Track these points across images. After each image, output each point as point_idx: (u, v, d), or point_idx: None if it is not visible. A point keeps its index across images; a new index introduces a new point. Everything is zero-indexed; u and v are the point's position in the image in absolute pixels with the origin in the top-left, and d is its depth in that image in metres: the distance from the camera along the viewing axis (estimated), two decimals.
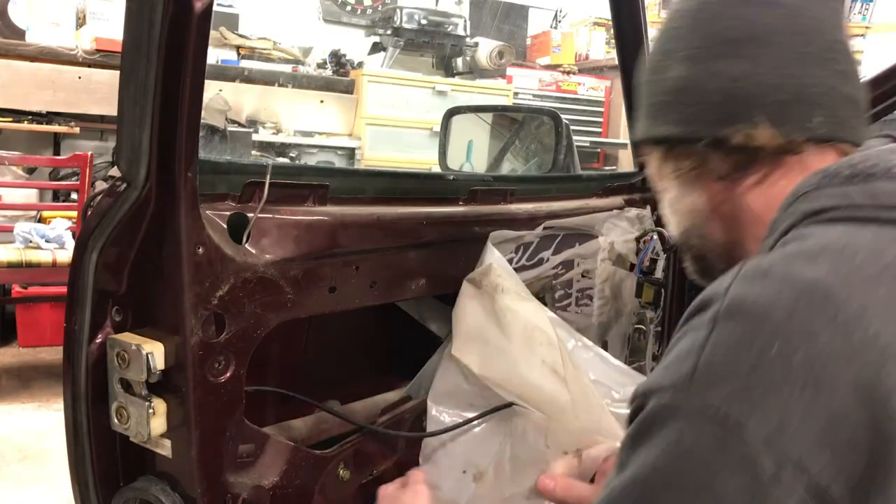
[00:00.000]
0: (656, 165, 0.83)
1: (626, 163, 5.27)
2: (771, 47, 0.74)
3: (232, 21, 4.45)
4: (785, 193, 0.70)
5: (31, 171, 3.72)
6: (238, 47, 4.31)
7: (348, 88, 4.46)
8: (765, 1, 0.76)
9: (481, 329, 1.15)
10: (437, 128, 2.80)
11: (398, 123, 4.49)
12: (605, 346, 1.50)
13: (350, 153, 4.45)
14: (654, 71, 0.81)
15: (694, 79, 0.76)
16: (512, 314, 1.14)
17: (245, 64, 4.27)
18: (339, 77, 4.54)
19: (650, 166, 0.85)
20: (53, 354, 3.46)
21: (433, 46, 4.74)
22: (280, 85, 4.26)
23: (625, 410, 0.64)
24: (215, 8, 0.91)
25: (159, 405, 0.86)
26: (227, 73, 4.11)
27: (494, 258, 1.21)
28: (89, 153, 3.08)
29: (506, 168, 2.16)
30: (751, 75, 0.74)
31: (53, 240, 3.02)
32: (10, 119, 3.58)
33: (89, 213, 0.84)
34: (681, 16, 0.79)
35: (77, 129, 3.73)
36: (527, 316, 1.14)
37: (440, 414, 1.20)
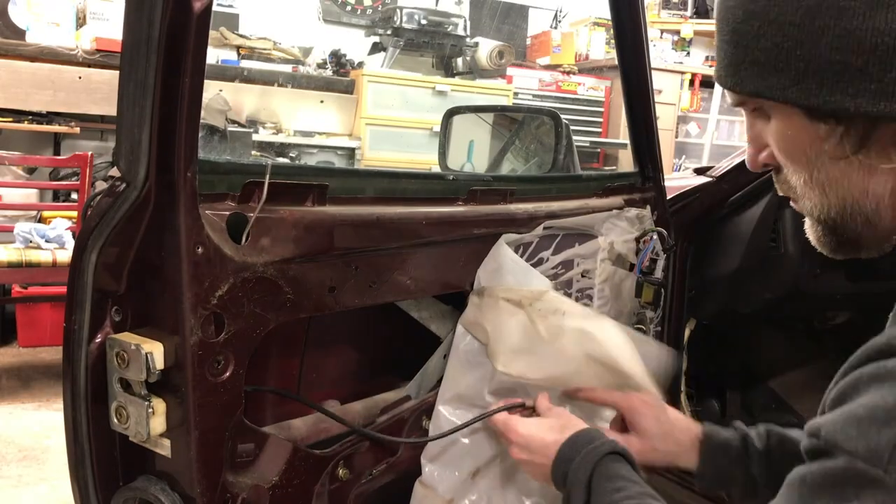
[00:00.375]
0: (816, 149, 0.68)
1: (626, 163, 5.27)
2: None
3: (232, 21, 4.45)
4: None
5: (31, 171, 3.72)
6: (238, 47, 4.31)
7: (348, 88, 4.46)
8: None
9: (532, 344, 1.18)
10: (437, 128, 2.80)
11: (398, 123, 4.49)
12: None
13: (350, 153, 4.45)
14: (830, 11, 0.61)
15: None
16: (580, 333, 1.18)
17: (245, 64, 4.27)
18: (339, 77, 4.54)
19: (781, 127, 0.71)
20: (53, 354, 3.46)
21: (433, 46, 4.74)
22: (280, 85, 4.26)
23: None
24: (215, 8, 0.91)
25: (159, 405, 0.86)
26: (227, 73, 4.11)
27: (508, 262, 1.23)
28: (89, 153, 3.08)
29: (506, 168, 2.16)
30: None
31: (53, 240, 3.02)
32: (11, 119, 3.58)
33: (89, 212, 0.85)
34: None
35: (77, 129, 3.73)
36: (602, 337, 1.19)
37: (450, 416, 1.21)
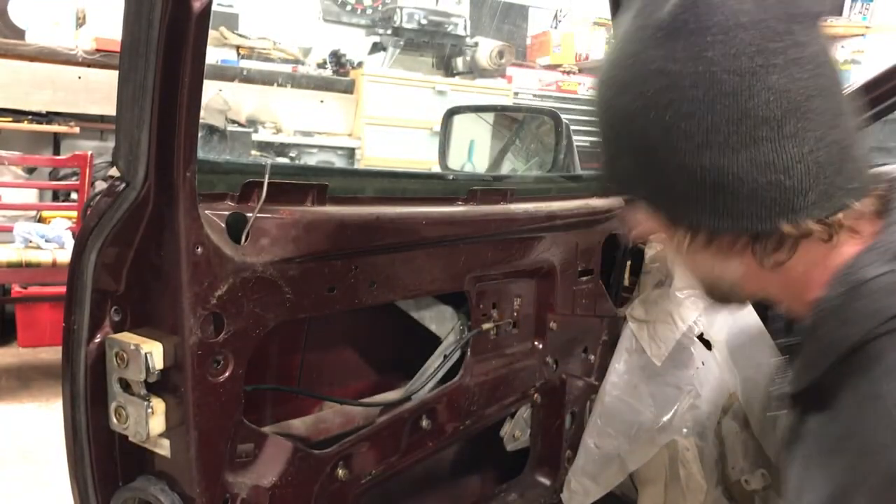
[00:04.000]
0: (678, 241, 0.76)
1: None
2: (810, 116, 0.66)
3: (232, 21, 4.45)
4: (830, 259, 0.71)
5: (31, 171, 3.72)
6: (238, 47, 4.31)
7: (348, 88, 4.46)
8: (788, 61, 0.65)
9: None
10: (437, 128, 2.80)
11: (398, 123, 4.49)
12: None
13: (350, 153, 4.45)
14: (667, 149, 0.69)
15: (737, 172, 0.66)
16: None
17: (245, 64, 4.27)
18: (338, 77, 4.54)
19: (665, 240, 0.81)
20: (53, 354, 3.46)
21: (433, 46, 4.74)
22: (280, 85, 4.25)
23: None
24: (215, 8, 0.90)
25: (158, 405, 0.86)
26: (226, 73, 4.11)
27: None
28: (89, 153, 3.08)
29: (506, 168, 2.16)
30: (801, 159, 0.65)
31: (53, 240, 3.02)
32: (10, 119, 3.58)
33: (88, 212, 0.84)
34: (686, 87, 0.66)
35: (77, 129, 3.73)
36: None
37: None
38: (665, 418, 1.52)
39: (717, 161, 0.66)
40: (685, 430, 1.53)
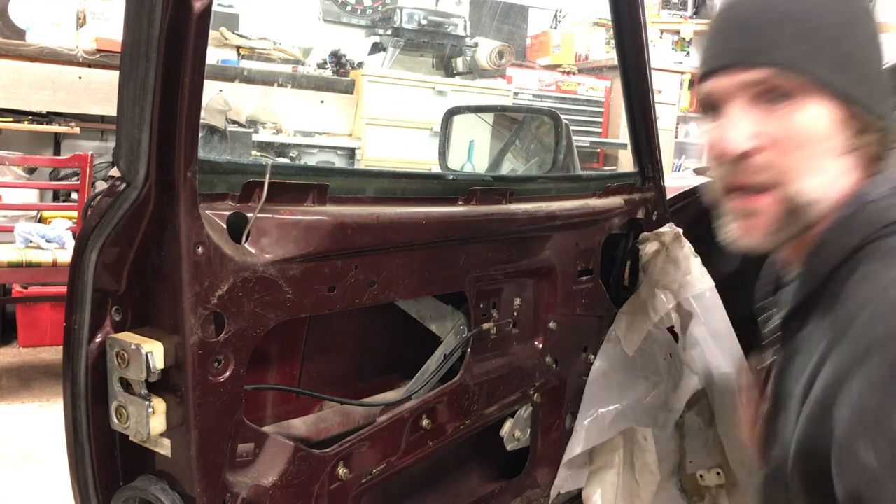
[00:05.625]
0: (828, 121, 0.80)
1: (626, 163, 5.26)
2: None
3: (232, 21, 4.45)
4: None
5: (31, 171, 3.72)
6: (238, 47, 4.31)
7: (348, 88, 4.46)
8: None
9: None
10: (437, 128, 2.80)
11: (398, 123, 4.49)
12: None
13: (350, 153, 4.45)
14: (878, 44, 0.84)
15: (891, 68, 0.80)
16: None
17: (245, 64, 4.27)
18: (339, 77, 4.54)
19: (808, 115, 0.80)
20: (54, 354, 3.46)
21: (433, 46, 4.74)
22: (280, 85, 4.25)
23: None
24: (215, 8, 0.91)
25: (159, 404, 0.86)
26: (227, 73, 4.11)
27: None
28: (89, 153, 3.08)
29: (506, 168, 2.16)
30: None
31: (54, 240, 3.02)
32: (11, 119, 3.58)
33: (89, 212, 0.85)
34: (863, 8, 0.83)
35: (77, 129, 3.73)
36: None
37: None
38: (625, 404, 1.55)
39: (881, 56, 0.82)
40: (644, 418, 1.56)
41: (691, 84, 5.88)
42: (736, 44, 0.82)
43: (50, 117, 3.70)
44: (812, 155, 0.79)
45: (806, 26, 0.80)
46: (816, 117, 0.79)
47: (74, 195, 3.57)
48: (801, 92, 0.79)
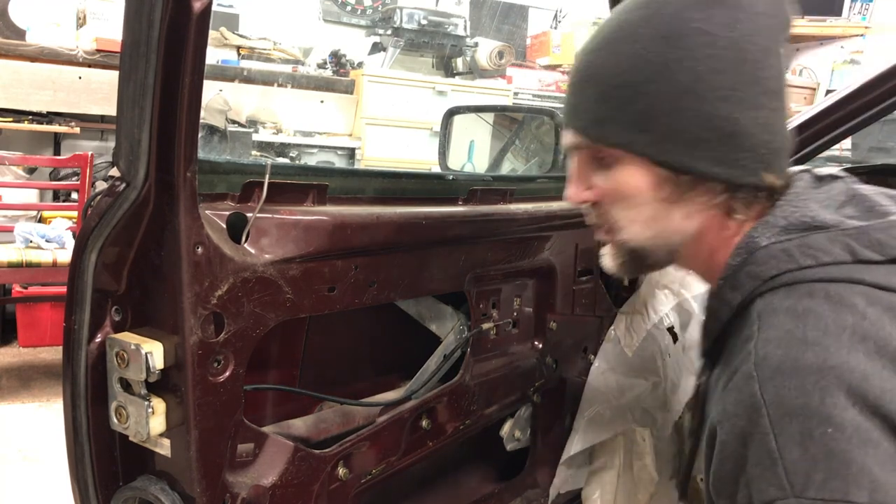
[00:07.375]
0: (641, 179, 0.82)
1: None
2: (783, 97, 0.81)
3: (232, 21, 4.45)
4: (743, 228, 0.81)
5: (31, 171, 3.72)
6: (238, 47, 4.31)
7: (348, 88, 4.46)
8: (776, 52, 0.79)
9: None
10: (437, 128, 2.80)
11: (398, 123, 4.49)
12: None
13: (350, 153, 4.44)
14: (693, 96, 0.77)
15: (745, 125, 0.77)
16: None
17: (245, 64, 4.26)
18: (339, 77, 4.54)
19: (623, 175, 0.83)
20: (54, 354, 3.46)
21: (433, 46, 4.73)
22: (280, 85, 4.25)
23: None
24: (215, 8, 0.91)
25: (158, 404, 0.86)
26: (227, 73, 4.10)
27: None
28: (89, 153, 3.07)
29: (506, 168, 2.16)
30: (781, 126, 0.81)
31: (54, 240, 3.02)
32: (11, 119, 3.58)
33: (89, 212, 0.85)
34: (721, 48, 0.76)
35: (77, 129, 3.73)
36: None
37: None
38: (624, 404, 1.55)
39: (732, 114, 0.77)
40: (643, 418, 1.56)
41: None
42: (578, 113, 0.86)
43: (50, 117, 3.70)
44: (635, 206, 0.84)
45: (606, 87, 0.81)
46: (631, 175, 0.83)
47: (74, 195, 3.57)
48: (615, 158, 0.83)
